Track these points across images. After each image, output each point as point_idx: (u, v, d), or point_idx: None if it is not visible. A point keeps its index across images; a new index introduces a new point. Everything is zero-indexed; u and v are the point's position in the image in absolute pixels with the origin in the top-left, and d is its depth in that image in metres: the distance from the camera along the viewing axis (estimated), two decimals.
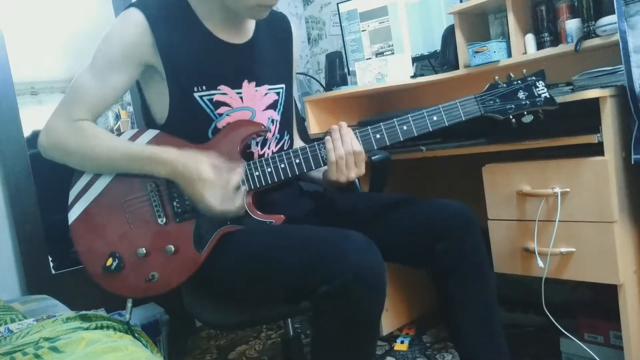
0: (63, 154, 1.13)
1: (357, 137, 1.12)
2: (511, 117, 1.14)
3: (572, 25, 1.54)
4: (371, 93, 2.11)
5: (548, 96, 1.15)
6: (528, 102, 1.14)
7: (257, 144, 1.20)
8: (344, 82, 2.18)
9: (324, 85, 2.26)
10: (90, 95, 1.12)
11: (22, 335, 1.06)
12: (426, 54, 2.03)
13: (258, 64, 1.21)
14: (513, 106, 1.14)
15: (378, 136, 1.12)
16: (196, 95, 1.13)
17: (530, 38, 1.64)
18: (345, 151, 1.10)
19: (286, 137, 1.28)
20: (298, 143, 1.41)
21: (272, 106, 1.23)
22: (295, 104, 1.48)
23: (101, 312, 1.23)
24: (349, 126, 1.13)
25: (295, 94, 1.43)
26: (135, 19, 1.10)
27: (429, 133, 1.14)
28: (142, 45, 1.10)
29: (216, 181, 1.08)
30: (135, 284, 1.13)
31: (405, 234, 1.18)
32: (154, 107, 1.19)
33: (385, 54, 2.09)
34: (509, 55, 1.67)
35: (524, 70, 1.17)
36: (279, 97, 1.25)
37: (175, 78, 1.12)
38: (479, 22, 1.85)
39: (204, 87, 1.14)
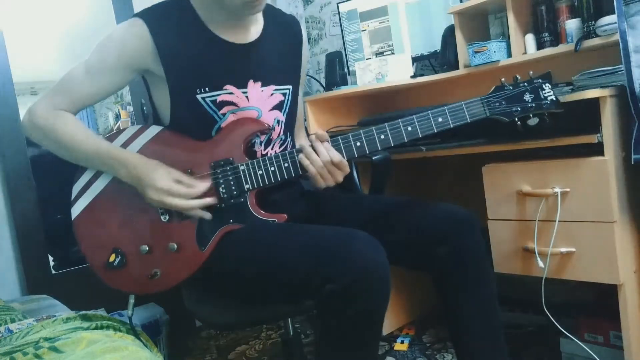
0: (38, 135, 1.17)
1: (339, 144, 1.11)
2: (516, 119, 1.13)
3: (572, 25, 1.54)
4: (371, 93, 2.11)
5: (554, 99, 1.14)
6: (534, 105, 1.13)
7: (260, 143, 1.20)
8: (344, 82, 2.18)
9: (324, 85, 2.26)
10: (77, 89, 1.16)
11: (22, 335, 1.06)
12: (426, 54, 2.03)
13: (264, 64, 1.21)
14: (519, 108, 1.13)
15: (382, 137, 1.12)
16: (199, 97, 1.14)
17: (530, 38, 1.64)
18: (324, 161, 1.10)
19: (289, 139, 1.28)
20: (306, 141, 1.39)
21: (278, 107, 1.23)
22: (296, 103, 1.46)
23: (101, 312, 1.23)
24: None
25: (301, 93, 1.42)
26: (138, 28, 1.12)
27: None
28: (140, 53, 1.13)
29: (174, 191, 1.08)
30: (137, 281, 1.14)
31: (405, 237, 1.18)
32: (160, 108, 1.20)
33: (385, 54, 2.09)
34: (509, 55, 1.66)
35: (531, 72, 1.16)
36: (285, 98, 1.25)
37: (177, 81, 1.13)
38: (479, 22, 1.85)
39: (207, 89, 1.14)
